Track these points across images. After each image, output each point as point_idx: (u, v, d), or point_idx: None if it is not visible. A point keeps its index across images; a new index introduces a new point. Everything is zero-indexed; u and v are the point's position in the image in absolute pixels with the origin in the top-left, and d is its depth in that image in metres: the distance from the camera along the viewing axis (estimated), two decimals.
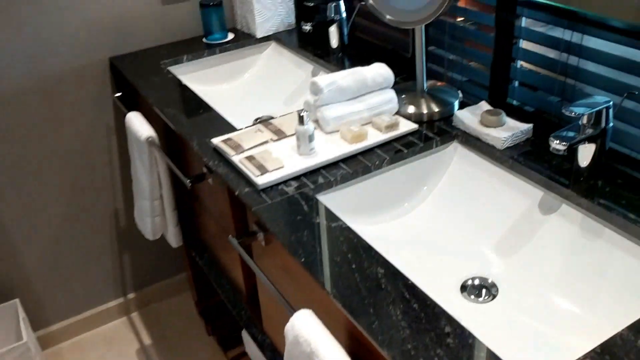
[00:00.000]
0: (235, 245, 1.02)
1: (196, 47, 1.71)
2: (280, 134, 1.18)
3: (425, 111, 1.22)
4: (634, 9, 0.89)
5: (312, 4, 1.52)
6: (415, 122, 1.20)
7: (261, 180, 1.04)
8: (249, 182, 1.07)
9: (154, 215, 1.52)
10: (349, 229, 0.93)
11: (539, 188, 1.04)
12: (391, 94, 1.21)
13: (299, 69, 1.66)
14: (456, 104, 1.24)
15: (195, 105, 1.38)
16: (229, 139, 1.17)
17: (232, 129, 1.26)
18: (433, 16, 1.07)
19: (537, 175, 1.03)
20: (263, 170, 1.06)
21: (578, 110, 0.92)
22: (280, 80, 1.68)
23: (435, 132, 1.19)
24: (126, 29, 1.68)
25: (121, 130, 1.79)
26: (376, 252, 0.87)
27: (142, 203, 1.52)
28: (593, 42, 1.08)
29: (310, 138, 1.09)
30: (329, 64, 1.55)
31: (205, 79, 1.69)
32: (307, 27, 1.50)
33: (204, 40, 1.76)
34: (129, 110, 1.53)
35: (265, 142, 1.16)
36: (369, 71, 1.20)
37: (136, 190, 1.56)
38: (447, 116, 1.23)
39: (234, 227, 1.20)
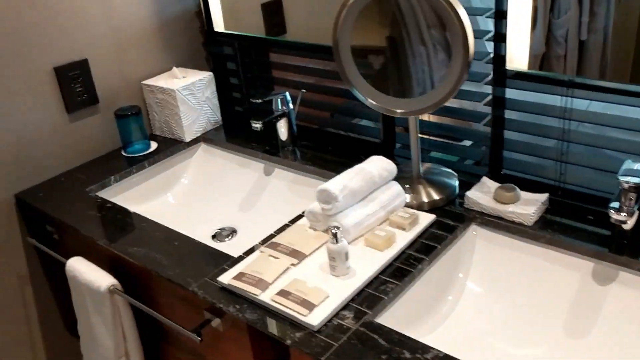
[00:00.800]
0: None
1: (118, 163, 1.48)
2: (298, 256, 1.02)
3: (425, 199, 1.15)
4: None
5: (259, 101, 1.39)
6: (417, 210, 1.13)
7: (314, 319, 0.88)
8: (294, 324, 0.90)
9: None
10: (447, 357, 0.81)
11: (585, 259, 1.01)
12: (398, 187, 1.13)
13: (246, 169, 1.51)
14: (457, 185, 1.18)
15: (158, 235, 1.17)
16: (242, 274, 0.98)
17: (220, 255, 1.07)
18: (444, 101, 1.02)
19: (580, 245, 1.01)
20: (309, 306, 0.90)
21: (634, 179, 0.91)
22: (225, 183, 1.52)
23: (451, 217, 1.12)
24: (30, 156, 1.39)
25: (38, 279, 1.47)
26: None
27: None
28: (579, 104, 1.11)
29: (347, 256, 0.96)
30: (286, 160, 1.42)
31: (141, 197, 1.46)
32: (258, 125, 1.36)
33: (123, 153, 1.53)
34: (62, 256, 1.26)
35: (287, 269, 1.00)
36: (373, 167, 1.10)
37: (91, 350, 1.27)
38: (452, 199, 1.17)
39: None
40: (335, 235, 0.95)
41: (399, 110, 1.05)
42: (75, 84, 1.44)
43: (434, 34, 0.99)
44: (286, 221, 1.17)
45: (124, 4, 1.49)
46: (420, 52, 1.01)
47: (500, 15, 1.05)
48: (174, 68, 1.57)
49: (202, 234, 1.39)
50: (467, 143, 1.41)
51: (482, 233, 1.11)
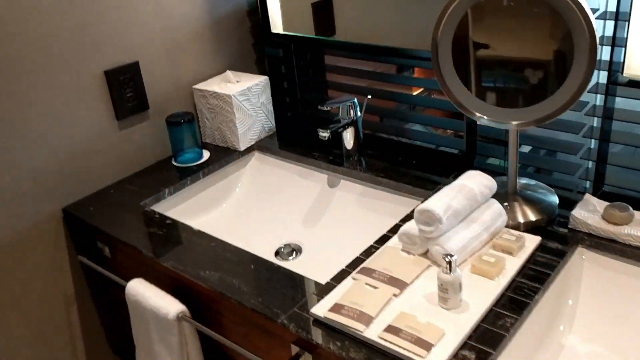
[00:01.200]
0: None
1: (170, 174, 1.38)
2: (399, 285, 0.92)
3: (521, 220, 1.05)
4: None
5: (328, 108, 1.29)
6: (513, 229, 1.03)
7: None
8: None
9: None
10: None
11: None
12: (498, 206, 1.02)
13: (308, 180, 1.40)
14: (557, 203, 1.08)
15: (230, 256, 1.06)
16: (340, 306, 0.88)
17: (305, 281, 0.97)
18: (565, 109, 0.91)
19: None
20: (425, 345, 0.80)
21: None
22: (284, 196, 1.41)
23: (557, 239, 1.02)
24: (78, 167, 1.29)
25: (84, 299, 1.36)
26: None
27: None
28: None
29: (461, 287, 0.86)
30: (355, 171, 1.32)
31: (197, 210, 1.36)
32: (326, 134, 1.26)
33: (174, 163, 1.42)
34: (114, 274, 1.16)
35: (389, 300, 0.89)
36: (474, 184, 1.00)
37: None
38: (552, 219, 1.07)
39: None
40: (449, 264, 0.84)
41: (514, 122, 0.94)
42: (125, 88, 1.33)
43: (555, 38, 0.89)
44: (358, 239, 1.08)
45: (175, 1, 1.38)
46: (541, 57, 0.90)
47: (620, 17, 0.95)
48: (228, 72, 1.47)
49: (264, 251, 1.28)
50: (526, 149, 1.32)
51: (591, 256, 1.01)
